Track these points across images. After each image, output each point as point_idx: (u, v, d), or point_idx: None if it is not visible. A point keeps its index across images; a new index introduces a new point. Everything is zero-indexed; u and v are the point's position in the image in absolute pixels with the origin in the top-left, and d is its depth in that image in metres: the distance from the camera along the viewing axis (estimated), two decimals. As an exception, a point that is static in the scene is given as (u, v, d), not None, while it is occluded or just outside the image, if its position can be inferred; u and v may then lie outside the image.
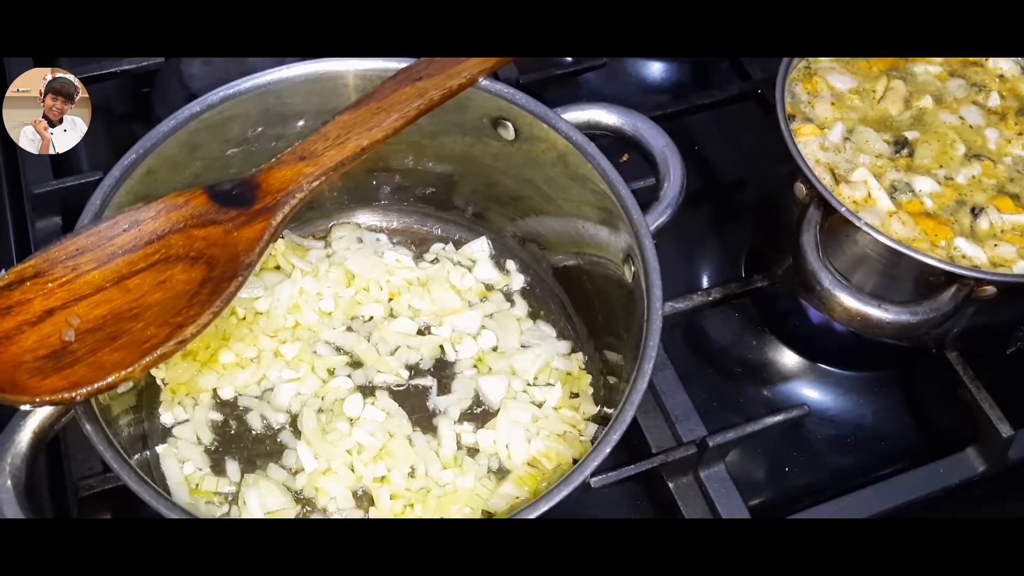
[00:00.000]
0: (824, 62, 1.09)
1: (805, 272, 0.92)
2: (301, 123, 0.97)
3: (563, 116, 0.93)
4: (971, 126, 1.06)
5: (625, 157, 1.04)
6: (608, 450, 0.78)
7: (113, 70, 1.16)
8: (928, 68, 1.10)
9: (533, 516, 0.74)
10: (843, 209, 0.92)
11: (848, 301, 0.90)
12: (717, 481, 0.99)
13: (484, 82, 0.93)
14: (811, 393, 1.11)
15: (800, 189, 0.96)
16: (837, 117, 1.05)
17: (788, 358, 1.13)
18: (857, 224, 0.91)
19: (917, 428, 1.09)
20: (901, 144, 1.03)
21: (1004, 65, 1.11)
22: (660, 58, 1.35)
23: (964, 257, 0.96)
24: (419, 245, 1.10)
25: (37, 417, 0.77)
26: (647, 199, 0.92)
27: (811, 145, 1.02)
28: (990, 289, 0.91)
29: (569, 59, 1.25)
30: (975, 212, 0.99)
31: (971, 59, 1.11)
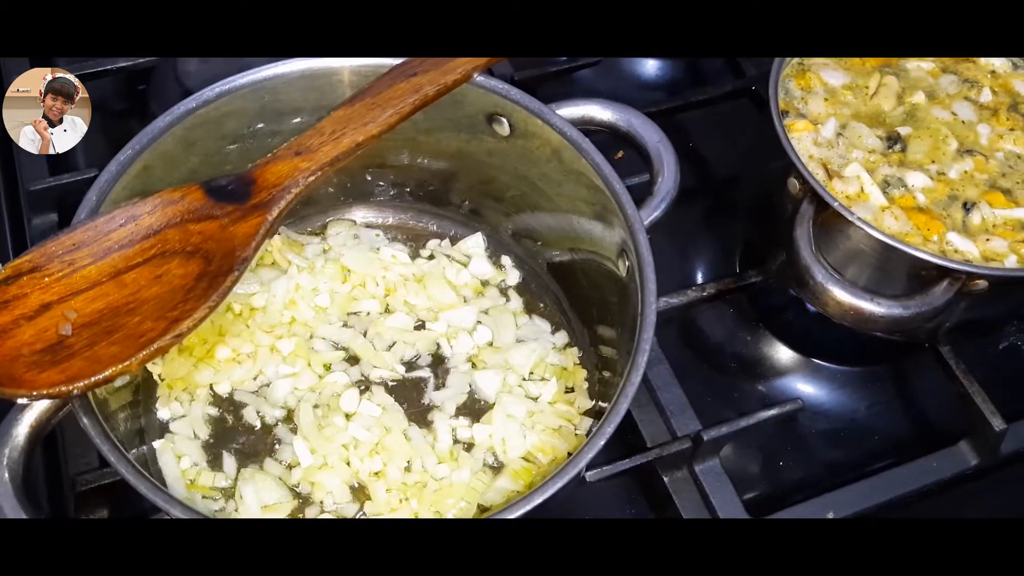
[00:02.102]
0: (818, 58, 1.10)
1: (798, 267, 0.93)
2: (297, 119, 0.97)
3: (558, 112, 0.94)
4: (963, 122, 1.06)
5: (620, 154, 1.04)
6: (602, 443, 0.78)
7: (109, 67, 1.17)
8: (920, 64, 1.11)
9: (528, 508, 0.75)
10: (836, 204, 0.93)
11: (841, 295, 0.91)
12: (712, 475, 1.00)
13: (479, 78, 0.94)
14: (805, 388, 1.11)
15: (793, 184, 0.96)
16: (830, 113, 1.05)
17: (782, 353, 1.14)
18: (850, 219, 0.92)
19: (910, 422, 1.10)
20: (894, 140, 1.04)
21: (996, 61, 1.11)
22: (655, 57, 1.36)
23: (956, 251, 0.97)
24: (415, 241, 1.11)
25: (34, 411, 0.78)
26: (641, 195, 0.92)
27: (804, 141, 1.03)
28: (982, 283, 0.92)
29: (564, 57, 1.26)
30: (967, 207, 0.99)
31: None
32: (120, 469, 0.75)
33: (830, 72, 1.08)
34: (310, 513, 0.92)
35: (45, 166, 1.11)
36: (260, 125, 0.97)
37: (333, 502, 0.92)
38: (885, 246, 0.92)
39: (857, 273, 0.96)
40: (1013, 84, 1.10)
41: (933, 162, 1.03)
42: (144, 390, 0.97)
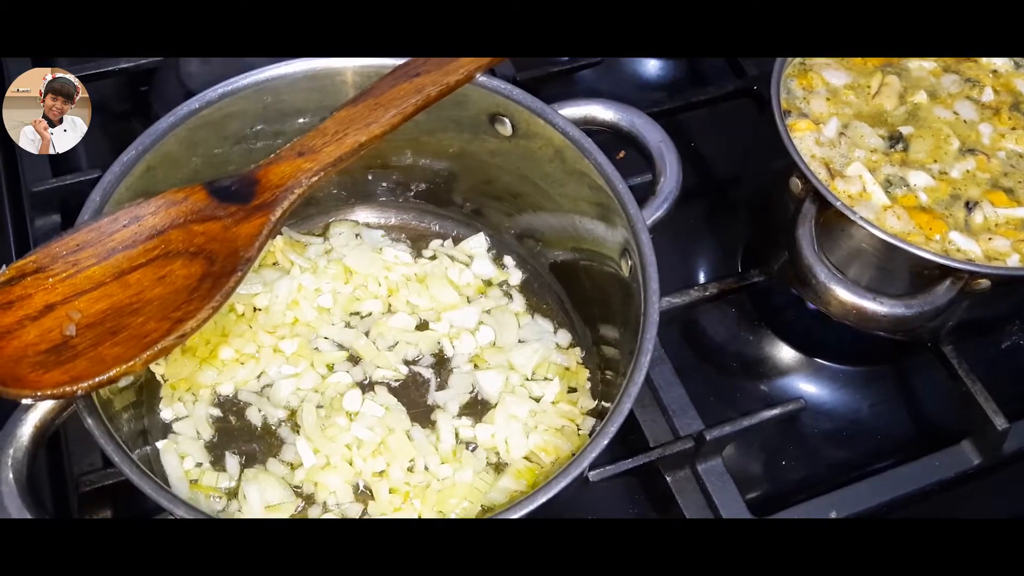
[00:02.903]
0: (819, 58, 1.10)
1: (801, 266, 0.93)
2: (300, 120, 0.97)
3: (560, 112, 0.94)
4: (965, 121, 1.06)
5: (621, 154, 1.04)
6: (605, 442, 0.78)
7: (111, 68, 1.16)
8: (922, 64, 1.10)
9: (532, 508, 0.75)
10: (839, 203, 0.93)
11: (843, 295, 0.91)
12: (714, 475, 1.00)
13: (481, 78, 0.94)
14: (807, 387, 1.11)
15: (796, 184, 0.96)
16: (832, 112, 1.05)
17: (784, 353, 1.14)
18: (852, 218, 0.92)
19: (913, 421, 1.10)
20: (896, 139, 1.04)
21: (997, 61, 1.12)
22: (655, 57, 1.36)
23: (959, 251, 0.97)
24: (417, 241, 1.11)
25: (38, 412, 0.78)
26: (643, 195, 0.92)
27: (806, 140, 1.03)
28: (984, 282, 0.92)
29: (565, 57, 1.26)
30: (969, 206, 0.99)
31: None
32: (124, 469, 0.75)
33: (832, 72, 1.08)
34: (313, 513, 0.92)
35: (48, 167, 1.11)
36: (262, 126, 0.97)
37: (336, 502, 0.92)
38: (887, 245, 0.92)
39: (859, 272, 0.96)
40: (1015, 83, 1.10)
41: (935, 161, 1.03)
42: (147, 390, 0.97)
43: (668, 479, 1.00)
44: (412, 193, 1.10)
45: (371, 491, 0.93)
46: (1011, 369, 1.12)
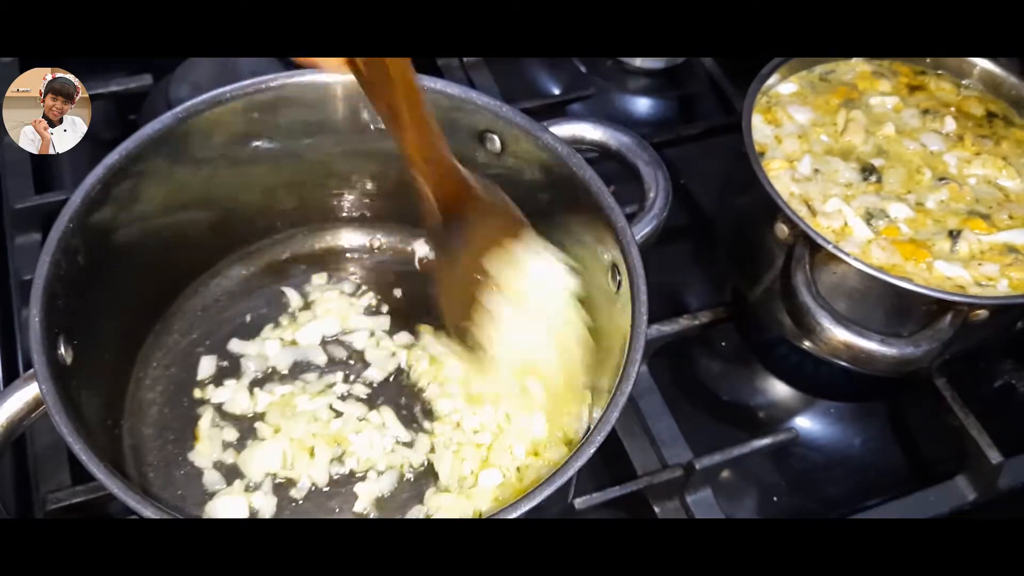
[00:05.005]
0: (783, 96, 1.10)
1: (804, 314, 0.91)
2: (288, 133, 0.97)
3: (548, 130, 0.93)
4: (932, 152, 1.06)
5: (612, 188, 1.04)
6: (592, 451, 0.75)
7: (100, 92, 1.16)
8: (884, 100, 1.11)
9: (517, 513, 0.72)
10: (830, 247, 0.91)
11: (851, 339, 0.89)
12: (704, 507, 0.98)
13: (470, 95, 0.94)
14: (799, 422, 1.09)
15: (782, 230, 0.95)
16: (804, 150, 1.05)
17: (776, 388, 1.12)
18: (858, 266, 0.90)
19: (906, 456, 1.08)
20: (869, 170, 1.03)
21: (946, 87, 1.13)
22: (653, 56, 1.36)
23: (949, 279, 0.96)
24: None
25: (6, 411, 0.75)
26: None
27: (782, 178, 1.02)
28: (982, 313, 0.91)
29: (556, 91, 1.27)
30: (953, 236, 0.99)
31: (916, 83, 1.13)
32: (92, 468, 0.72)
33: (797, 108, 1.08)
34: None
35: (31, 185, 1.11)
36: (248, 139, 0.96)
37: None
38: (885, 285, 0.90)
39: (847, 308, 0.94)
40: (970, 107, 1.11)
41: (909, 192, 1.02)
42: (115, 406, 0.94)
43: (656, 510, 0.98)
44: (398, 213, 1.08)
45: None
46: (1005, 404, 1.10)
